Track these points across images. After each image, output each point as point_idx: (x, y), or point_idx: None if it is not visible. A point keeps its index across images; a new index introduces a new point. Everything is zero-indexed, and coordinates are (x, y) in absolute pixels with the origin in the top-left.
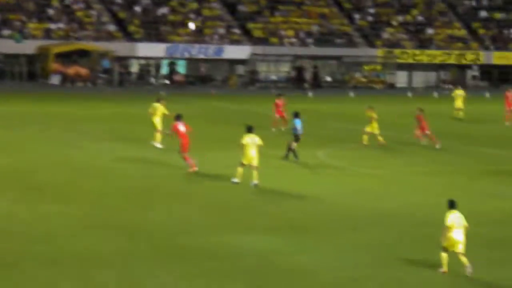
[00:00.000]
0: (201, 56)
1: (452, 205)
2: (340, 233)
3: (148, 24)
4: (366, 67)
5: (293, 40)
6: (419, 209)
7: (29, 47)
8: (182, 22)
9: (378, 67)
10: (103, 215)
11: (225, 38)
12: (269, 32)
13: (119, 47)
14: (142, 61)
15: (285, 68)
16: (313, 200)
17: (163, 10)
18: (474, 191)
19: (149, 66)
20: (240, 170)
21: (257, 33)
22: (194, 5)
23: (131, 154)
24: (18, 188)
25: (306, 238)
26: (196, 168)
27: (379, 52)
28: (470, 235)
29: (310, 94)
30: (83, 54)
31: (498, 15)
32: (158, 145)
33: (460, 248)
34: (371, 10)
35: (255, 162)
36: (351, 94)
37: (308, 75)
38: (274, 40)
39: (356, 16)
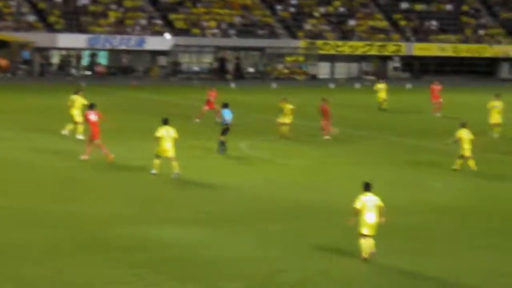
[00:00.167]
0: (123, 47)
1: (366, 187)
2: (263, 225)
3: (69, 14)
4: (288, 58)
5: (216, 31)
6: (341, 200)
7: None
8: (104, 12)
9: (301, 58)
10: (23, 206)
11: (147, 29)
12: (191, 23)
13: (40, 38)
14: (63, 52)
15: (207, 60)
16: (236, 191)
17: (84, 1)
18: (395, 181)
19: (70, 57)
20: (156, 162)
21: (179, 24)
22: None
23: (51, 146)
24: None
25: (230, 229)
26: (112, 155)
27: (301, 43)
28: (388, 224)
29: (232, 85)
30: (2, 45)
31: (419, 7)
32: (80, 137)
33: (366, 231)
34: (293, 2)
35: (170, 154)
36: (274, 85)
37: (230, 66)
38: (196, 31)
39: (278, 7)
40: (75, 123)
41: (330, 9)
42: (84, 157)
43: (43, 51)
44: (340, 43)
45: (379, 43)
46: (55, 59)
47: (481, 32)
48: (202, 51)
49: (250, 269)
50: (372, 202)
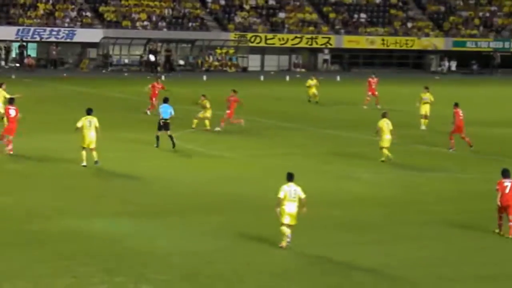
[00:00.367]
0: (53, 39)
1: (289, 177)
2: (193, 217)
3: None
4: (219, 51)
5: (146, 23)
6: (270, 192)
7: None
8: (34, 4)
9: (231, 51)
10: None
11: (77, 21)
12: (122, 15)
13: None
14: None
15: (138, 52)
16: (167, 184)
17: None
18: (326, 173)
19: None
20: (83, 153)
21: (109, 16)
22: None
23: None
24: None
25: (160, 222)
26: (11, 152)
27: (231, 35)
28: (322, 216)
29: (163, 77)
30: None
31: (349, 0)
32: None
33: (287, 220)
34: None
35: (93, 145)
36: (204, 77)
37: (161, 59)
38: (126, 23)
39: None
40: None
41: (260, 1)
42: (8, 151)
43: None
44: (270, 35)
45: (309, 36)
46: None
47: (410, 24)
48: (133, 43)
49: (178, 261)
50: (294, 192)
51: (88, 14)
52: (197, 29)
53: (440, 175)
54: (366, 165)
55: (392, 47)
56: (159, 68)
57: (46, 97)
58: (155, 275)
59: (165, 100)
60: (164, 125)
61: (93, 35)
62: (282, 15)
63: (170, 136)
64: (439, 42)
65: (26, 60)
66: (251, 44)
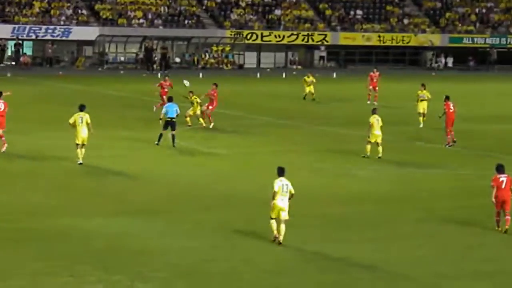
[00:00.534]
0: (48, 37)
1: (280, 171)
2: (191, 215)
3: None
4: (215, 48)
5: (142, 21)
6: (265, 189)
7: None
8: (29, 2)
9: (227, 48)
10: None
11: (72, 19)
12: (118, 13)
13: None
14: None
15: (134, 49)
16: (163, 181)
17: None
18: (322, 170)
19: None
20: (78, 151)
21: (105, 14)
22: None
23: None
24: None
25: (157, 220)
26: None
27: (227, 33)
28: (319, 214)
29: (159, 75)
30: None
31: None
32: None
33: (284, 215)
34: None
35: (85, 141)
36: (200, 75)
37: (157, 56)
38: (122, 21)
39: None
40: None
41: None
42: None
43: None
44: (266, 32)
45: (305, 33)
46: None
47: (406, 21)
48: (129, 41)
49: (176, 259)
50: (286, 186)
51: (84, 12)
52: (193, 26)
53: (437, 172)
54: (362, 162)
55: (388, 43)
56: (154, 66)
57: (42, 95)
58: (152, 273)
59: (170, 99)
60: (171, 124)
61: (89, 33)
62: (278, 12)
63: (173, 135)
64: (436, 39)
65: (21, 58)
66: (247, 41)
